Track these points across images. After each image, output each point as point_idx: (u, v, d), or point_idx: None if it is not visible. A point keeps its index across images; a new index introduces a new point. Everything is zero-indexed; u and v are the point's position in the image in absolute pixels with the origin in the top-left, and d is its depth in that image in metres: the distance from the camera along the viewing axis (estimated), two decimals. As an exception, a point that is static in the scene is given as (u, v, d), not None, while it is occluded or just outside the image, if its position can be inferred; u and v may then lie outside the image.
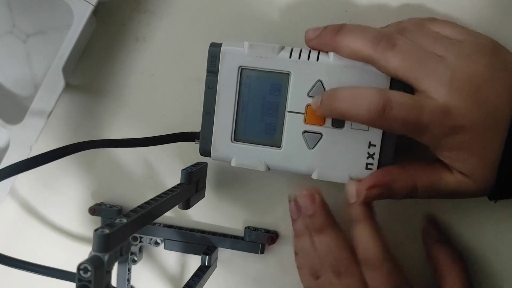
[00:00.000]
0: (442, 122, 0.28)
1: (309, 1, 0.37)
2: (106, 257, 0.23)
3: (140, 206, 0.29)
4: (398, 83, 0.30)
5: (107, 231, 0.24)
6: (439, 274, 0.33)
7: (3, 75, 0.42)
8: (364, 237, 0.30)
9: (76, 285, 0.23)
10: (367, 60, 0.30)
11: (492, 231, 0.36)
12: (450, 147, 0.29)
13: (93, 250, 0.23)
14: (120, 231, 0.24)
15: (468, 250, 0.37)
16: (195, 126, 0.37)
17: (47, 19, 0.41)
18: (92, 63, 0.41)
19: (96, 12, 0.37)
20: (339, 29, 0.31)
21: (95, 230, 0.23)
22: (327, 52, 0.32)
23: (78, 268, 0.22)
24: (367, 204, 0.31)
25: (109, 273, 0.24)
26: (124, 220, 0.25)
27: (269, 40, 0.37)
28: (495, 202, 0.30)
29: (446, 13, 0.34)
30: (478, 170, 0.29)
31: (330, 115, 0.31)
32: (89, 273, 0.22)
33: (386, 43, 0.29)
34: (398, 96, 0.28)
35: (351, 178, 0.32)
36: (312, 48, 0.32)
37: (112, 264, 0.24)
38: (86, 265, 0.22)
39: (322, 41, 0.31)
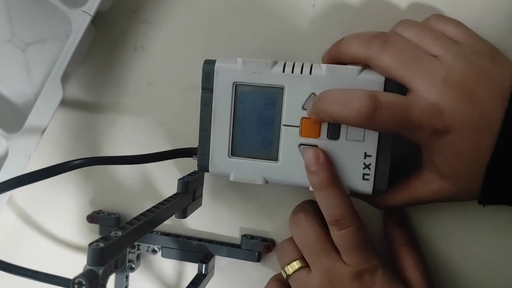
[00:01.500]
0: (432, 122, 0.28)
1: (304, 14, 0.37)
2: (100, 271, 0.23)
3: (136, 218, 0.29)
4: (391, 89, 0.30)
5: (101, 245, 0.24)
6: (394, 255, 0.35)
7: (2, 84, 0.42)
8: (331, 202, 0.31)
9: (71, 298, 0.23)
10: (364, 61, 0.30)
11: (472, 236, 0.37)
12: (439, 148, 0.29)
13: (88, 264, 0.23)
14: (115, 244, 0.25)
15: (443, 257, 0.37)
16: (192, 134, 0.37)
17: (46, 28, 0.41)
18: (91, 72, 0.41)
19: (94, 21, 0.38)
20: (339, 40, 0.32)
21: (90, 244, 0.24)
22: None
23: (73, 283, 0.22)
24: (329, 167, 0.31)
25: (103, 286, 0.24)
26: (119, 233, 0.26)
27: (264, 49, 0.38)
28: (484, 206, 0.30)
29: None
30: (463, 175, 0.29)
31: (321, 118, 0.31)
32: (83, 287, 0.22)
33: (378, 41, 0.29)
34: (387, 97, 0.28)
35: (350, 189, 0.32)
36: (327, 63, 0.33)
37: (107, 278, 0.24)
38: (80, 279, 0.22)
39: (330, 55, 0.33)
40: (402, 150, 0.32)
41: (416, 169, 0.32)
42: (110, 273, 0.25)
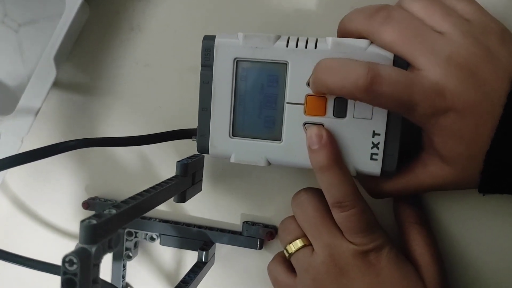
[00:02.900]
0: (433, 102, 0.27)
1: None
2: (93, 249, 0.22)
3: (132, 197, 0.27)
4: (400, 64, 0.29)
5: (94, 221, 0.22)
6: (403, 234, 0.34)
7: (-6, 65, 0.41)
8: (333, 183, 0.30)
9: (61, 278, 0.21)
10: (367, 36, 0.29)
11: (478, 224, 0.35)
12: (439, 130, 0.28)
13: (80, 241, 0.22)
14: (109, 222, 0.23)
15: (454, 242, 0.36)
16: (192, 117, 0.35)
17: (39, 8, 0.40)
18: (85, 53, 0.40)
19: (89, 0, 0.36)
20: (345, 15, 0.31)
21: (82, 221, 0.22)
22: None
23: (63, 261, 0.21)
24: (332, 147, 0.30)
25: (96, 266, 0.22)
26: (114, 211, 0.24)
27: (267, 28, 0.36)
28: (483, 195, 0.29)
29: None
30: (462, 159, 0.28)
31: (318, 90, 0.29)
32: (74, 266, 0.21)
33: (381, 15, 0.28)
34: (389, 70, 0.27)
35: (357, 170, 0.31)
36: None
37: (100, 257, 0.23)
38: (71, 257, 0.21)
39: (338, 34, 0.32)
40: (403, 137, 0.30)
41: (416, 155, 0.31)
42: (104, 253, 0.23)
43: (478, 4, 0.29)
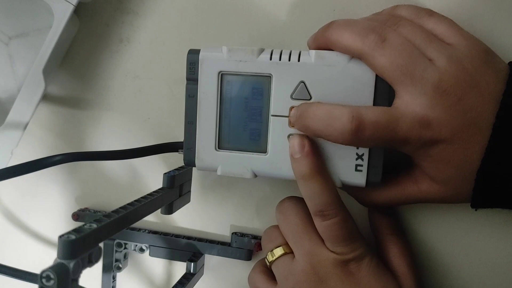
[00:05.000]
0: (420, 134, 0.27)
1: (294, 1, 0.36)
2: (71, 265, 0.22)
3: (115, 211, 0.27)
4: (383, 81, 0.29)
5: (73, 237, 0.22)
6: (379, 245, 0.34)
7: (-15, 78, 0.41)
8: (315, 191, 0.30)
9: (39, 294, 0.21)
10: (357, 55, 0.29)
11: (466, 235, 0.35)
12: (428, 157, 0.28)
13: (58, 256, 0.22)
14: (89, 236, 0.23)
15: (442, 253, 0.36)
16: (180, 129, 0.35)
17: (29, 20, 0.40)
18: (75, 65, 0.40)
19: (79, 13, 0.37)
20: (328, 25, 0.30)
21: (60, 236, 0.22)
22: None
23: (40, 276, 0.21)
24: (314, 156, 0.30)
25: (75, 281, 0.22)
26: (94, 226, 0.24)
27: (253, 39, 0.37)
28: (476, 210, 0.30)
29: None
30: (453, 180, 0.28)
31: (306, 133, 0.30)
32: (51, 281, 0.21)
33: (375, 36, 0.27)
34: (372, 114, 0.27)
35: (342, 182, 0.31)
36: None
37: (79, 272, 0.23)
38: (48, 272, 0.21)
39: (317, 42, 0.31)
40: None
41: (406, 168, 0.31)
42: (83, 268, 0.23)
43: (458, 27, 0.29)
